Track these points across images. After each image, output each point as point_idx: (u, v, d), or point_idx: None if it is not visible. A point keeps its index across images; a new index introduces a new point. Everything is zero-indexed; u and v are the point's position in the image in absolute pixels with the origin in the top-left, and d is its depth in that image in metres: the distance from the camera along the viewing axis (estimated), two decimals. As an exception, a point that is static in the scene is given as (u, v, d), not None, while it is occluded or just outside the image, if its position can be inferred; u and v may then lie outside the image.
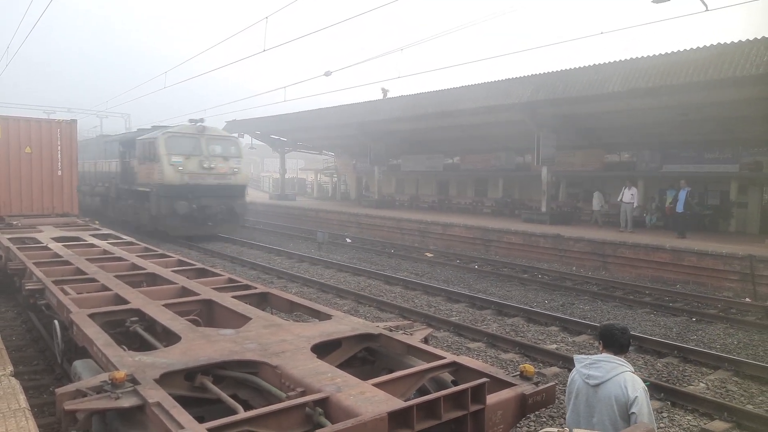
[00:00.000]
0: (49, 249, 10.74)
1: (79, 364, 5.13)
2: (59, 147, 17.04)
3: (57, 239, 12.04)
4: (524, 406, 4.03)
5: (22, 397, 4.68)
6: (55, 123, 17.76)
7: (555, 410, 6.51)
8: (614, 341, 3.69)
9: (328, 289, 13.39)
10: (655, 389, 6.99)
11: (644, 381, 3.86)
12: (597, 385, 3.57)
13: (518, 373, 4.30)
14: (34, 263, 8.94)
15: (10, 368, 5.48)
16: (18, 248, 10.60)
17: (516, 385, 4.14)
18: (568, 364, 8.03)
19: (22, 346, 8.93)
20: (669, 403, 6.95)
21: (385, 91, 33.24)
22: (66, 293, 6.90)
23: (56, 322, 6.65)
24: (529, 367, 4.28)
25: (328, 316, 6.05)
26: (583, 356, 3.79)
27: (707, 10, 9.31)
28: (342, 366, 4.75)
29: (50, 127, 17.32)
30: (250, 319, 5.81)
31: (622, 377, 3.51)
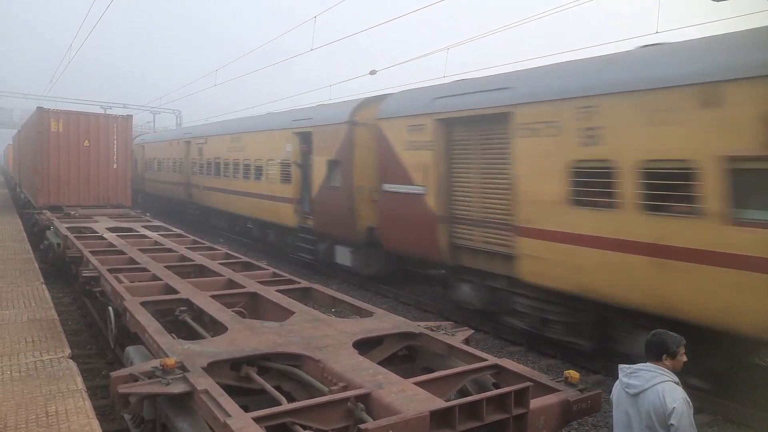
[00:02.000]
0: (104, 239, 11.23)
1: (131, 350, 5.36)
2: (115, 141, 17.76)
3: (111, 229, 12.57)
4: (568, 413, 3.95)
5: (79, 379, 4.92)
6: (111, 118, 18.53)
7: (599, 418, 6.36)
8: (650, 348, 3.54)
9: (369, 286, 13.46)
10: (707, 402, 6.71)
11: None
12: (636, 395, 3.43)
13: (562, 378, 4.22)
14: (91, 252, 9.36)
15: (68, 351, 5.77)
16: (75, 237, 11.11)
17: (560, 390, 4.07)
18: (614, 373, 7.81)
19: (77, 331, 9.36)
20: (720, 417, 6.67)
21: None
22: (120, 281, 7.20)
23: (110, 308, 6.94)
24: (574, 373, 4.20)
25: (369, 313, 6.09)
26: (626, 365, 3.66)
27: (773, 8, 8.86)
28: (383, 363, 4.77)
29: (107, 122, 18.09)
30: (294, 313, 5.92)
31: (661, 387, 3.34)
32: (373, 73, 23.49)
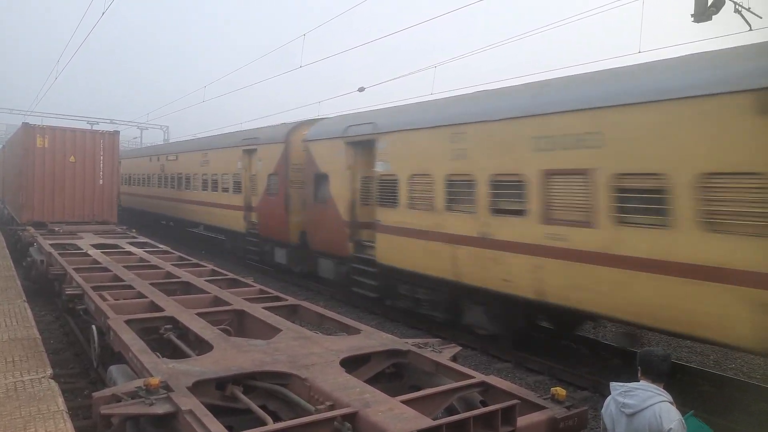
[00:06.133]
0: (89, 255, 11.09)
1: (114, 369, 5.26)
2: (102, 157, 17.64)
3: (96, 246, 12.43)
4: (555, 430, 3.95)
5: (60, 400, 4.83)
6: (98, 134, 18.43)
7: (586, 436, 6.34)
8: (652, 368, 3.52)
9: (357, 302, 13.40)
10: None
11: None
12: (632, 415, 3.42)
13: (549, 395, 4.23)
14: (74, 269, 9.24)
15: (49, 370, 5.66)
16: (59, 254, 10.97)
17: (547, 408, 4.07)
18: (601, 389, 7.82)
19: (59, 350, 9.19)
20: None
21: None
22: (104, 299, 7.11)
23: (94, 327, 6.84)
24: (560, 390, 4.20)
25: (357, 331, 6.06)
26: (619, 383, 3.65)
27: (750, 29, 9.11)
28: (370, 381, 4.74)
29: (93, 137, 17.98)
30: (281, 330, 5.87)
31: (658, 407, 3.35)
32: (361, 90, 23.66)
